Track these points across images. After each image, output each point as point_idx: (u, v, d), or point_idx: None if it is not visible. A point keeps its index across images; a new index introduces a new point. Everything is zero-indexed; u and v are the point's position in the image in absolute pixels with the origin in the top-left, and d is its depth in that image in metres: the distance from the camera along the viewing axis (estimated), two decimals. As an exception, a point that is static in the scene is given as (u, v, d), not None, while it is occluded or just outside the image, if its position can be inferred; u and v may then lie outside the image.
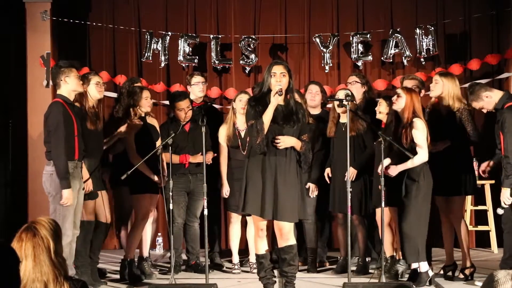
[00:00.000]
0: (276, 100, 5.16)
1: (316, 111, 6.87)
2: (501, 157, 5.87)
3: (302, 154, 5.30)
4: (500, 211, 5.85)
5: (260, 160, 5.22)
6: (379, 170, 5.88)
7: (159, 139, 6.56)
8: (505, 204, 5.76)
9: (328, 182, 6.61)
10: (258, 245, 5.37)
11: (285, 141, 5.22)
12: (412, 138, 5.81)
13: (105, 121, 6.67)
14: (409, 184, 5.82)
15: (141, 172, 6.13)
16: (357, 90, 6.86)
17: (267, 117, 5.17)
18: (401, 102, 5.89)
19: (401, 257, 6.26)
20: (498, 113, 5.92)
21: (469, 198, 7.61)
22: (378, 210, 6.22)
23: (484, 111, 6.10)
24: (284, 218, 5.23)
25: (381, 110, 6.29)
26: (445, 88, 6.23)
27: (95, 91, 6.06)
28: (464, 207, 6.83)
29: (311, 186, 6.60)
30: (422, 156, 5.79)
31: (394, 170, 5.85)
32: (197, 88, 7.04)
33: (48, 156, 5.54)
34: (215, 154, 6.70)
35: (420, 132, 5.80)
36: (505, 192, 5.74)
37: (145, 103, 6.41)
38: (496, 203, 6.17)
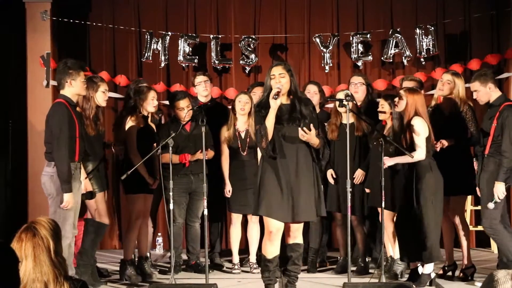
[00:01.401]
0: (274, 104, 5.15)
1: (314, 111, 6.87)
2: (483, 155, 5.90)
3: (321, 150, 5.30)
4: (491, 206, 5.83)
5: (273, 162, 5.21)
6: (387, 162, 5.86)
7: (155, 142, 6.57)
8: (498, 198, 5.75)
9: (333, 183, 6.60)
10: (267, 249, 5.33)
11: (310, 138, 5.19)
12: (412, 138, 5.81)
13: (105, 122, 6.66)
14: (418, 185, 5.82)
15: (136, 173, 6.13)
16: (362, 91, 6.86)
17: (270, 121, 5.16)
18: (402, 104, 5.91)
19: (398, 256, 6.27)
20: (492, 109, 5.94)
21: (469, 198, 7.61)
22: (380, 210, 6.21)
23: (474, 95, 6.08)
24: (298, 218, 5.22)
25: (385, 110, 6.28)
26: (455, 89, 6.25)
27: (102, 99, 6.08)
28: (464, 207, 6.83)
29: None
30: (418, 154, 5.79)
31: (389, 161, 5.84)
32: (201, 88, 7.05)
33: (48, 157, 5.51)
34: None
35: (418, 131, 5.80)
36: (499, 186, 5.74)
37: (151, 103, 6.42)
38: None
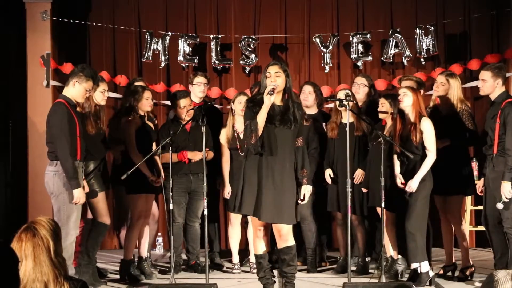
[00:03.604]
0: (268, 100, 5.12)
1: (311, 111, 6.87)
2: (492, 155, 5.83)
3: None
4: (500, 206, 5.79)
5: (257, 161, 5.19)
6: (412, 185, 5.88)
7: (155, 141, 6.57)
8: (506, 198, 5.72)
9: (330, 183, 6.60)
10: (257, 246, 5.37)
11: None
12: (421, 138, 5.83)
13: (106, 121, 6.66)
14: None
15: (138, 172, 6.12)
16: (364, 92, 6.86)
17: (261, 117, 5.13)
18: (407, 101, 5.92)
19: (399, 257, 6.26)
20: (494, 107, 5.90)
21: (468, 198, 7.61)
22: (379, 210, 6.21)
23: (480, 84, 6.00)
24: (282, 221, 5.20)
25: (385, 110, 6.29)
26: (450, 89, 6.24)
27: (100, 98, 6.10)
28: (464, 207, 6.82)
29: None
30: (432, 157, 5.86)
31: (414, 183, 5.85)
32: (198, 88, 7.03)
33: (50, 156, 5.57)
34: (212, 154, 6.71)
35: (430, 134, 5.84)
36: (506, 186, 5.69)
37: (146, 103, 6.42)
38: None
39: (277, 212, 5.16)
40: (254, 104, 5.23)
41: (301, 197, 5.27)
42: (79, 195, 5.48)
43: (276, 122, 5.19)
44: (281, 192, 5.16)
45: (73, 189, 5.46)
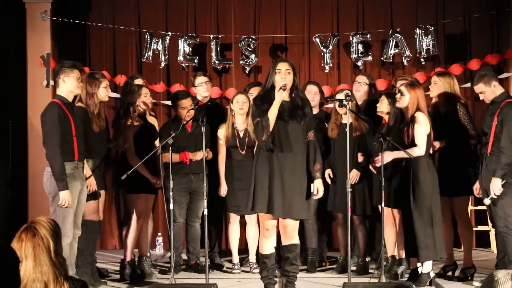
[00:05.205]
0: (280, 96, 5.15)
1: (314, 111, 6.87)
2: (486, 154, 5.83)
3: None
4: (487, 201, 5.81)
5: (268, 157, 5.21)
6: (386, 157, 5.86)
7: (158, 139, 6.57)
8: (495, 195, 5.73)
9: (329, 183, 6.61)
10: (263, 245, 5.36)
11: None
12: (413, 133, 5.80)
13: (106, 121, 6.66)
14: (415, 184, 5.81)
15: (138, 173, 6.12)
16: (364, 91, 6.87)
17: (273, 113, 5.15)
18: (404, 100, 5.89)
19: (402, 257, 6.26)
20: (494, 106, 5.89)
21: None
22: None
23: (481, 97, 6.04)
24: (293, 215, 5.22)
25: (383, 109, 6.27)
26: (442, 87, 6.24)
27: (104, 94, 6.08)
28: (468, 207, 6.81)
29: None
30: (418, 149, 5.79)
31: (386, 156, 5.81)
32: (202, 89, 7.03)
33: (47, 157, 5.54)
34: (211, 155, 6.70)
35: (421, 126, 5.80)
36: (496, 182, 5.69)
37: (144, 101, 6.41)
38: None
39: (288, 208, 5.18)
40: (262, 102, 5.24)
41: (315, 192, 5.27)
42: (64, 197, 5.32)
43: (285, 117, 5.21)
44: (292, 187, 5.18)
45: (59, 190, 5.32)
